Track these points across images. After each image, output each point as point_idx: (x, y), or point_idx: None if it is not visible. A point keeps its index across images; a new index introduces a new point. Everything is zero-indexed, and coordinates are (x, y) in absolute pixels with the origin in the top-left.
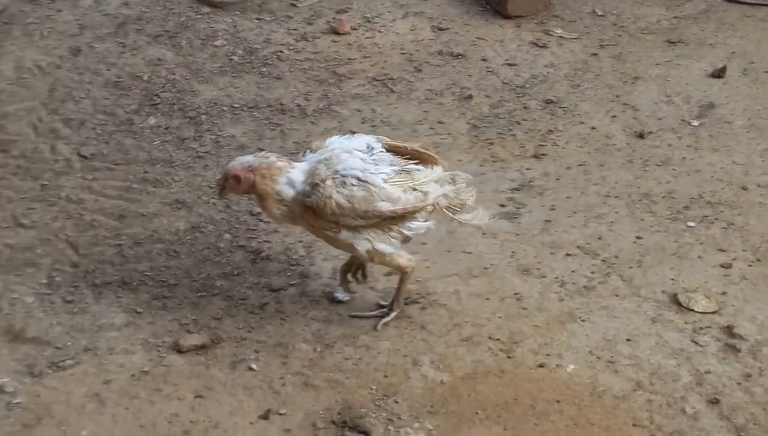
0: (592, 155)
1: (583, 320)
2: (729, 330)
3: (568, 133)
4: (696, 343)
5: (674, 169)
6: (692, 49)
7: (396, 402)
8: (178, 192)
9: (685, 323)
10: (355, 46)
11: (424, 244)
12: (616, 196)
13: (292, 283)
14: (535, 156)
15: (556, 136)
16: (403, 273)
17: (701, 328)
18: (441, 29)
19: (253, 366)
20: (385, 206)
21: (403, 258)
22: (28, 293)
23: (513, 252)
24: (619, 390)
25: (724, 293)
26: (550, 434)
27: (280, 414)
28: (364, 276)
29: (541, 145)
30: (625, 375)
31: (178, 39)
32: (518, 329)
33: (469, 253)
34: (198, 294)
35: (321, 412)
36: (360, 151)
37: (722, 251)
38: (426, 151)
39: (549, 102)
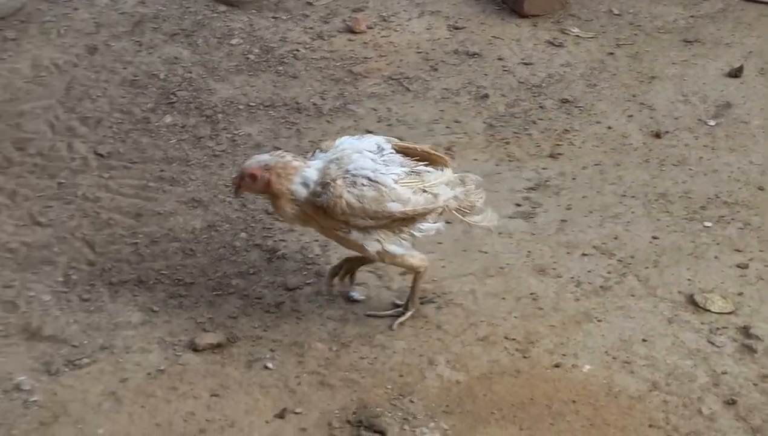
0: (609, 155)
1: (599, 320)
2: (745, 331)
3: (585, 132)
4: (712, 343)
5: (691, 169)
6: (709, 48)
7: (411, 402)
8: (195, 191)
9: (702, 323)
10: (371, 45)
11: (440, 243)
12: (633, 196)
13: (307, 282)
14: (551, 155)
15: (572, 136)
16: (416, 273)
17: (717, 328)
18: (457, 28)
19: (269, 365)
20: (395, 207)
21: (415, 258)
22: (45, 291)
23: (529, 252)
24: (635, 391)
25: (740, 294)
26: (565, 435)
27: (296, 413)
28: (351, 282)
29: (557, 145)
30: (641, 376)
31: (195, 37)
32: (534, 328)
33: (485, 252)
34: (214, 293)
35: (336, 411)
36: (370, 151)
37: (739, 251)
38: (436, 153)
39: (565, 101)
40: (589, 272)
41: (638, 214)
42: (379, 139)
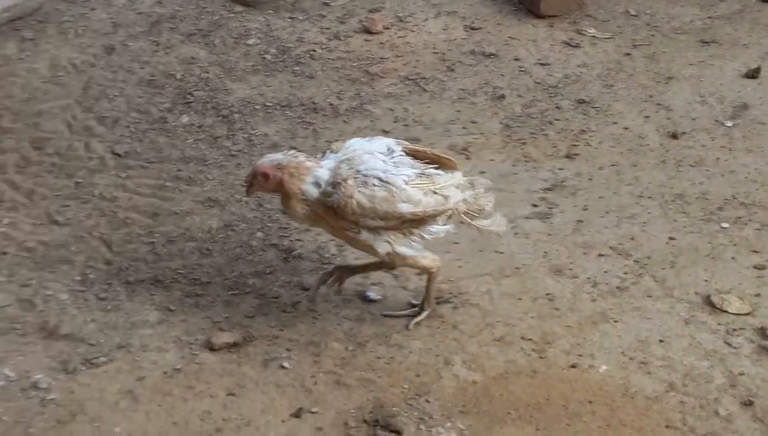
0: (625, 155)
1: (615, 321)
2: (762, 332)
3: (601, 133)
4: (729, 344)
5: (708, 170)
6: (726, 49)
7: (428, 401)
8: (211, 190)
9: (719, 324)
10: (388, 46)
11: (456, 243)
12: (649, 197)
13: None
14: (568, 156)
15: (588, 136)
16: (429, 273)
17: (734, 329)
18: (473, 29)
19: (285, 364)
20: (405, 208)
21: (427, 259)
22: (62, 290)
23: (545, 252)
24: (652, 391)
25: (757, 295)
26: (582, 435)
27: (312, 413)
28: (339, 293)
29: (574, 145)
30: (658, 376)
31: (212, 37)
32: (550, 329)
33: (501, 253)
34: (230, 292)
35: (353, 411)
36: (381, 153)
37: (756, 252)
38: (445, 156)
39: (582, 102)
40: (605, 272)
41: (655, 214)
42: (390, 142)
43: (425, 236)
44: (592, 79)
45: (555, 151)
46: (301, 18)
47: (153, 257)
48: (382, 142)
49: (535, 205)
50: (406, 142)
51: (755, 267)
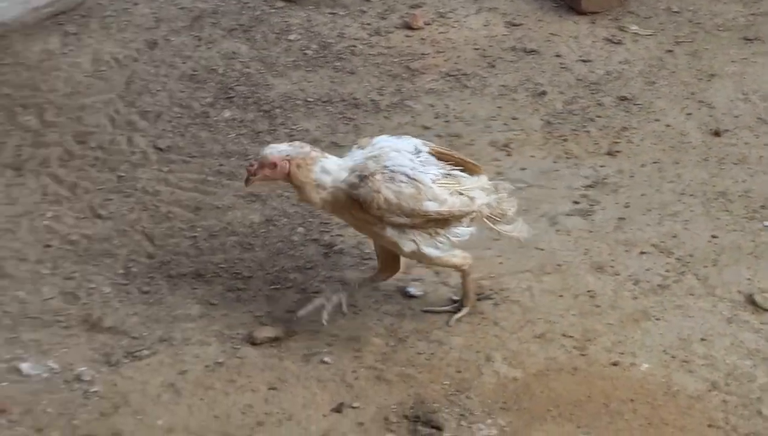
0: (667, 153)
1: (657, 319)
2: None
3: (643, 130)
4: None
5: (750, 168)
6: None
7: (468, 398)
8: (253, 185)
9: (761, 323)
10: (429, 41)
11: (497, 240)
12: (691, 195)
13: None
14: (609, 153)
15: (630, 134)
16: (461, 271)
17: None
18: (514, 25)
19: (326, 359)
20: (432, 206)
21: (457, 257)
22: (105, 283)
23: (586, 249)
24: (694, 390)
25: None
26: (623, 433)
27: (353, 407)
28: (343, 314)
29: (615, 143)
30: (700, 375)
31: (253, 33)
32: (591, 326)
33: (542, 249)
34: (272, 287)
35: (393, 406)
36: (408, 152)
37: None
38: (471, 161)
39: (623, 99)
40: (647, 270)
41: (697, 212)
42: (417, 142)
43: (451, 237)
44: (633, 76)
45: (596, 148)
46: (342, 14)
47: (195, 251)
48: (409, 142)
49: (576, 202)
50: (433, 144)
51: None
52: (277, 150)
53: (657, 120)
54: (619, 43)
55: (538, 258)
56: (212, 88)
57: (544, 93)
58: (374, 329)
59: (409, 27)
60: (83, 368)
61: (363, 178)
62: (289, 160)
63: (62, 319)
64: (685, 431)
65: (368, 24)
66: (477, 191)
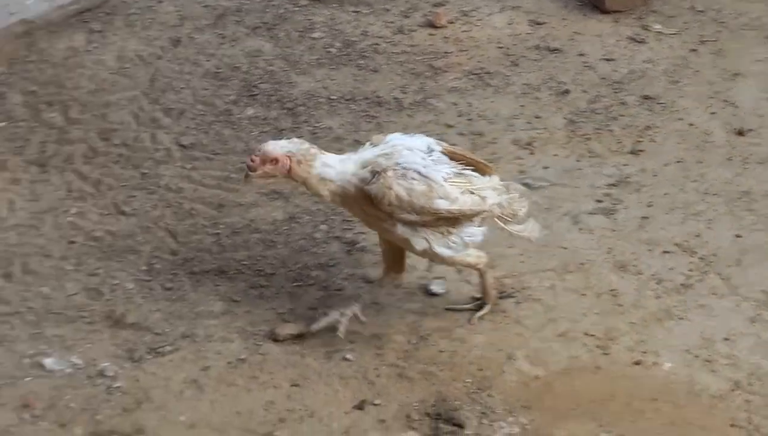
0: (691, 152)
1: (680, 318)
2: None
3: (666, 129)
4: None
5: None
6: None
7: (490, 396)
8: (275, 182)
9: None
10: (452, 40)
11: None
12: (715, 194)
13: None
14: (633, 152)
15: (653, 133)
16: (476, 270)
17: None
18: (538, 23)
19: (348, 357)
20: (443, 204)
21: (471, 256)
22: (129, 280)
23: (609, 248)
24: (717, 390)
25: None
26: (646, 433)
27: (375, 405)
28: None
29: (639, 141)
30: (723, 375)
31: (277, 31)
32: (614, 325)
33: (565, 248)
34: (294, 284)
35: (415, 404)
36: (420, 150)
37: None
38: (483, 161)
39: (647, 98)
40: (670, 269)
41: (720, 212)
42: (430, 141)
43: (464, 237)
44: (657, 75)
45: (620, 147)
46: (366, 12)
47: (218, 248)
48: (422, 140)
49: (599, 201)
50: (446, 144)
51: None
52: (278, 146)
53: (680, 119)
54: (642, 42)
55: (560, 257)
56: (236, 86)
57: (567, 92)
58: (396, 327)
59: (432, 25)
60: (106, 364)
61: (375, 174)
62: (289, 157)
63: (86, 315)
64: (708, 431)
65: (392, 22)
66: (488, 191)
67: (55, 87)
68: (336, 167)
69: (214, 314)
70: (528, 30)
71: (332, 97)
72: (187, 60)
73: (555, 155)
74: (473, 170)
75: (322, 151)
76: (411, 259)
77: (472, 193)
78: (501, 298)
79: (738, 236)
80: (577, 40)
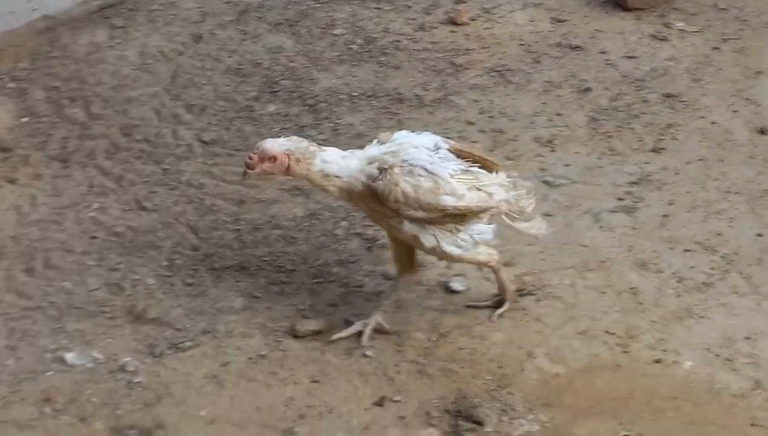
0: (713, 150)
1: (700, 317)
2: None
3: (688, 127)
4: None
5: None
6: None
7: (510, 393)
8: (296, 179)
9: None
10: (473, 37)
11: None
12: (737, 193)
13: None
14: (654, 150)
15: (675, 131)
16: (489, 268)
17: None
18: (560, 21)
19: (368, 353)
20: (449, 201)
21: (482, 254)
22: (150, 275)
23: (630, 246)
24: (738, 389)
25: None
26: (666, 431)
27: (395, 401)
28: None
29: (660, 139)
30: (744, 374)
31: (298, 27)
32: (635, 323)
33: (586, 246)
34: (315, 280)
35: (435, 401)
36: (426, 148)
37: None
38: (489, 159)
39: (669, 96)
40: (691, 267)
41: (742, 210)
42: (437, 138)
43: (473, 236)
44: (679, 72)
45: (641, 144)
46: (387, 8)
47: (238, 244)
48: (429, 138)
49: (620, 199)
50: (452, 141)
51: None
52: (276, 144)
53: (702, 117)
54: (665, 39)
55: (581, 254)
56: (257, 82)
57: (588, 89)
58: (416, 324)
59: (453, 22)
60: (127, 359)
61: (382, 170)
62: (288, 155)
63: (107, 310)
64: (728, 430)
65: (413, 19)
66: (495, 187)
67: (77, 83)
68: (339, 163)
69: (234, 310)
70: (550, 27)
71: (353, 93)
72: (208, 56)
73: (576, 153)
74: (480, 167)
75: (322, 148)
76: (430, 256)
77: (479, 189)
78: (521, 295)
79: (759, 235)
80: (599, 37)
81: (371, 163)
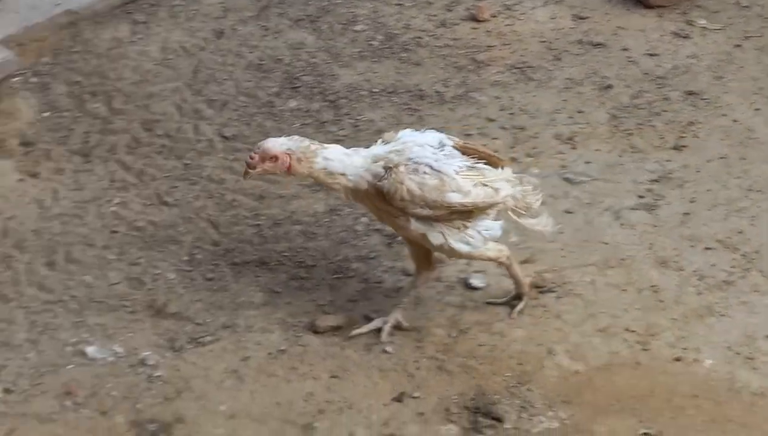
0: (734, 148)
1: (721, 315)
2: None
3: (710, 125)
4: None
5: None
6: None
7: (529, 390)
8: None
9: None
10: (495, 34)
11: (560, 233)
12: (759, 191)
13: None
14: (675, 148)
15: (696, 128)
16: (500, 264)
17: None
18: (581, 18)
19: (388, 349)
20: (455, 198)
21: (492, 250)
22: (170, 270)
23: (651, 244)
24: (758, 387)
25: None
26: (686, 429)
27: (414, 397)
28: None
29: (682, 137)
30: (765, 372)
31: (319, 23)
32: (655, 321)
33: (606, 243)
34: (335, 276)
35: (454, 397)
36: (431, 146)
37: None
38: (495, 155)
39: (690, 93)
40: (712, 265)
41: (764, 208)
42: (442, 136)
43: (482, 232)
44: (701, 70)
45: (662, 142)
46: (408, 5)
47: (259, 239)
48: (433, 136)
49: (641, 197)
50: (457, 139)
51: None
52: (278, 143)
53: (724, 115)
54: (686, 37)
55: (601, 252)
56: (278, 78)
57: (610, 86)
58: (436, 320)
59: (475, 19)
60: (148, 353)
61: (387, 168)
62: (289, 154)
63: (128, 304)
64: (749, 428)
65: (434, 15)
66: (501, 182)
67: (99, 78)
68: (342, 160)
69: (254, 305)
70: (571, 24)
71: (374, 90)
72: (230, 52)
73: (597, 150)
74: (486, 163)
75: (324, 146)
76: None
77: (485, 185)
78: (541, 292)
79: None
80: (621, 34)
81: (376, 162)
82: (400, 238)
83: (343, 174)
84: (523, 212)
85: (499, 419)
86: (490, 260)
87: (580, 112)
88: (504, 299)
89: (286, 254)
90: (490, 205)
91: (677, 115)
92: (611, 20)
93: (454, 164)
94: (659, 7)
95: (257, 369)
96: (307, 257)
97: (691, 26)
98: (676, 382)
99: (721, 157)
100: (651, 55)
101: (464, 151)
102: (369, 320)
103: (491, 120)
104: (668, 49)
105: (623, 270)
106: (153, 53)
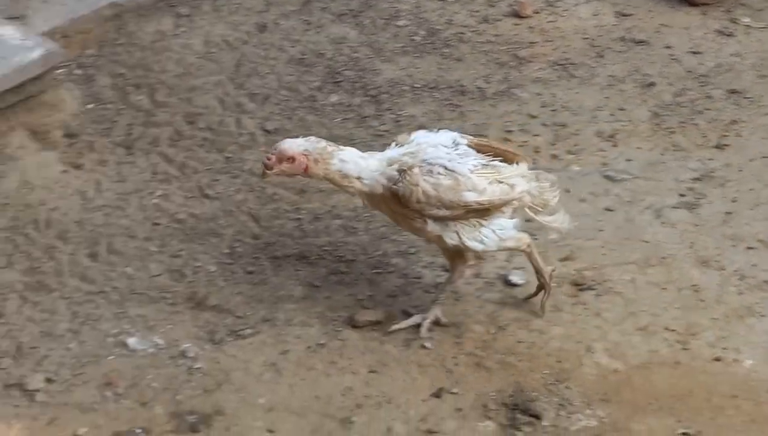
0: None
1: (762, 315)
2: None
3: (753, 124)
4: None
5: None
6: None
7: (568, 388)
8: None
9: None
10: (537, 30)
11: (601, 231)
12: None
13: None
14: (718, 146)
15: (739, 127)
16: (521, 251)
17: None
18: (624, 15)
19: (427, 345)
20: (471, 197)
21: (510, 240)
22: (211, 262)
23: (692, 243)
24: None
25: None
26: (725, 429)
27: (452, 393)
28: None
29: (724, 136)
30: None
31: (362, 18)
32: (695, 320)
33: (647, 242)
34: (374, 271)
35: (492, 393)
36: (445, 146)
37: None
38: (511, 150)
39: (733, 92)
40: (753, 265)
41: None
42: (455, 135)
43: (497, 231)
44: (745, 69)
45: (705, 141)
46: (451, 0)
47: (299, 233)
48: (447, 136)
49: (682, 195)
50: (471, 137)
51: None
52: (294, 144)
53: (767, 114)
54: (730, 35)
55: (642, 250)
56: (320, 72)
57: (652, 84)
58: (475, 317)
59: (517, 15)
60: (188, 345)
61: (402, 172)
62: (306, 155)
63: (168, 296)
64: None
65: (477, 11)
66: (517, 178)
67: (143, 70)
68: (357, 162)
69: (294, 299)
70: (614, 21)
71: (416, 85)
72: (272, 45)
73: (638, 148)
74: (501, 160)
75: (341, 148)
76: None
77: (500, 182)
78: (581, 290)
79: None
80: (664, 32)
81: (391, 165)
82: None
83: (358, 177)
84: (540, 209)
85: (537, 417)
86: (509, 249)
87: (621, 109)
88: (531, 293)
89: (326, 248)
90: (507, 202)
91: (720, 114)
92: (654, 18)
93: (469, 163)
94: (703, 5)
95: (296, 363)
96: (346, 251)
97: (735, 24)
98: (716, 382)
99: (764, 157)
100: (694, 53)
101: (479, 148)
102: (408, 315)
103: (533, 117)
104: (711, 48)
105: (664, 269)
106: (196, 46)
